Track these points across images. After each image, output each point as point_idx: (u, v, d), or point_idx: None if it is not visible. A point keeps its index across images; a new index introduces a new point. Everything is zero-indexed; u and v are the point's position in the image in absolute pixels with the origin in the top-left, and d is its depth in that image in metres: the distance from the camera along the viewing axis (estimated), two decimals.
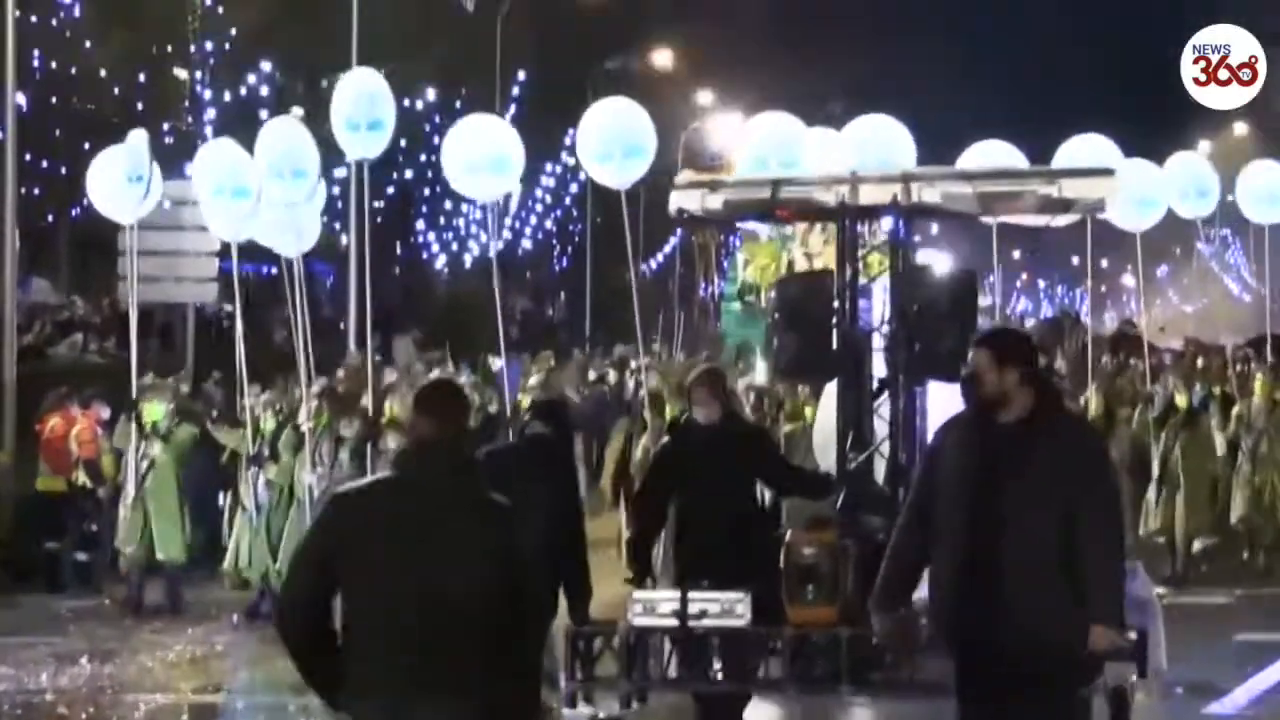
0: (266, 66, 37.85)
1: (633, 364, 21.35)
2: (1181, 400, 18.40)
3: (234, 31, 36.82)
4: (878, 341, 10.73)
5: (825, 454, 11.09)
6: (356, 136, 15.33)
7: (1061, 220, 11.29)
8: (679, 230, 45.17)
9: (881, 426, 10.61)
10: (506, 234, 45.97)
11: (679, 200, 10.81)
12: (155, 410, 16.98)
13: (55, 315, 29.82)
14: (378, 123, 15.34)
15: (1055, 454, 7.21)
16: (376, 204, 41.13)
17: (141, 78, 34.83)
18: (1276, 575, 18.38)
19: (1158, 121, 41.48)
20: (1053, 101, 59.91)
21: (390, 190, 42.87)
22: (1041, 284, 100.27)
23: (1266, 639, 14.58)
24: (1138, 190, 17.40)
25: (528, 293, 52.96)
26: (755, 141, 14.63)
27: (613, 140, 15.31)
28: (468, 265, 46.00)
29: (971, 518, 7.21)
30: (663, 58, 50.11)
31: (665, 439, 11.02)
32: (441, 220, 46.49)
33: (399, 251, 46.66)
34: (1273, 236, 20.03)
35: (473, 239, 45.68)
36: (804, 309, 10.63)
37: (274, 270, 23.32)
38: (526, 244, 51.04)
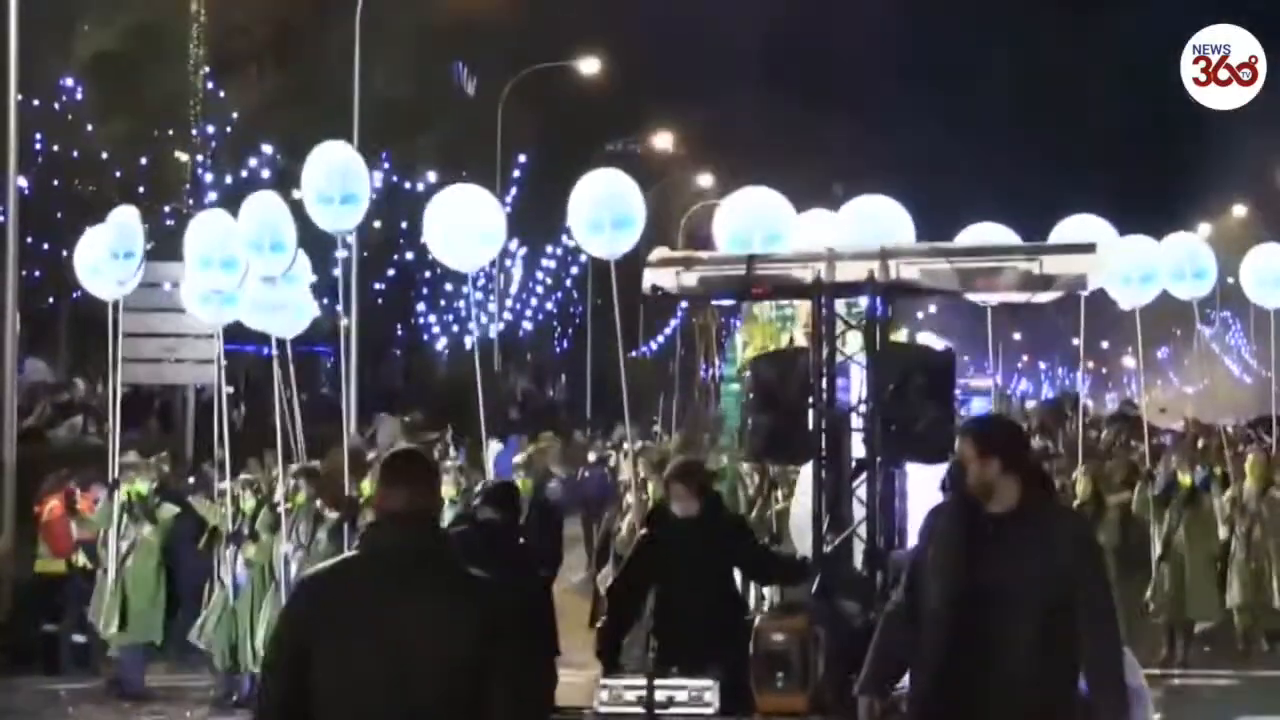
0: (268, 149, 37.99)
1: (625, 446, 21.29)
2: (1185, 479, 18.19)
3: (235, 114, 36.98)
4: (857, 421, 10.53)
5: (803, 537, 10.88)
6: (329, 210, 15.21)
7: (1043, 297, 11.14)
8: (680, 312, 45.16)
9: (860, 509, 10.41)
10: (507, 315, 46.02)
11: (653, 277, 10.66)
12: (140, 488, 16.85)
13: (55, 397, 29.72)
14: (352, 196, 15.23)
15: (1040, 545, 7.12)
16: (377, 285, 41.41)
17: (143, 160, 34.95)
18: (1278, 656, 18.16)
19: (1157, 205, 41.61)
20: (1054, 185, 60.15)
21: (391, 272, 42.95)
22: (1042, 365, 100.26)
23: None
24: (1136, 265, 17.25)
25: (528, 374, 52.93)
26: (737, 217, 14.38)
27: (602, 210, 15.08)
28: (468, 347, 46.00)
29: (955, 608, 7.11)
30: (664, 141, 50.28)
31: (643, 530, 10.83)
32: (442, 302, 46.49)
33: (399, 333, 46.65)
34: (1277, 320, 19.90)
35: (473, 320, 45.72)
36: (777, 389, 10.45)
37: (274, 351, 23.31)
38: (527, 325, 51.06)
